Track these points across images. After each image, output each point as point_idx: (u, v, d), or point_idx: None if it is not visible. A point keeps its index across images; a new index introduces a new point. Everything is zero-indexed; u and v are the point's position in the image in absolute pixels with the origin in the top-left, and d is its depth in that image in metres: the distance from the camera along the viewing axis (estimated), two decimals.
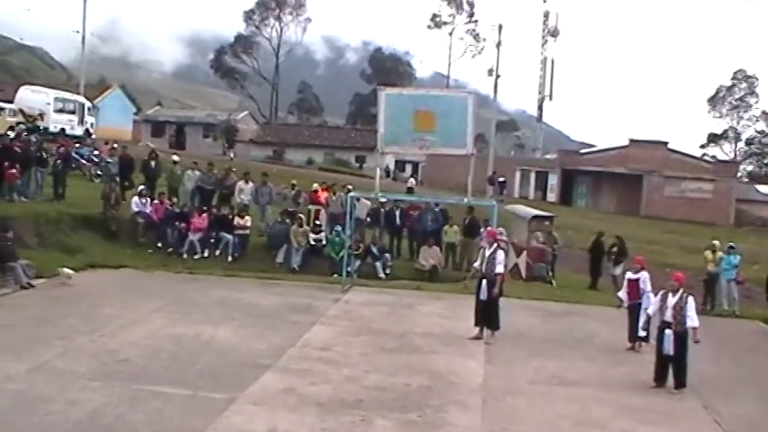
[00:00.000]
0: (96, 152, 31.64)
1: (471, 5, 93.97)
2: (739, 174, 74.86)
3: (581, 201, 62.00)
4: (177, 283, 18.36)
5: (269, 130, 78.06)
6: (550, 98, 76.82)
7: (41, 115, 38.08)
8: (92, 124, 43.28)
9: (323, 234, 22.88)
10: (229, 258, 22.06)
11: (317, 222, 23.40)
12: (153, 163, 25.28)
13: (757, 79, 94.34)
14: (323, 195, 24.83)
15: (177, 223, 22.39)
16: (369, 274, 21.40)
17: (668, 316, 11.86)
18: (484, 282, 14.23)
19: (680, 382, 11.83)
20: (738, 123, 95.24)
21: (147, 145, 43.37)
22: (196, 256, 21.91)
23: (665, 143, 60.37)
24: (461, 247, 23.25)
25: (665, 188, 58.45)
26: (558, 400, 11.01)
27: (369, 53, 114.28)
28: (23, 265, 16.48)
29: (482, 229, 20.61)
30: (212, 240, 22.35)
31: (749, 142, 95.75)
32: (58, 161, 23.89)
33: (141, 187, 23.47)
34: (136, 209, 22.56)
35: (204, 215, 22.64)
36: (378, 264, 22.03)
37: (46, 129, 37.07)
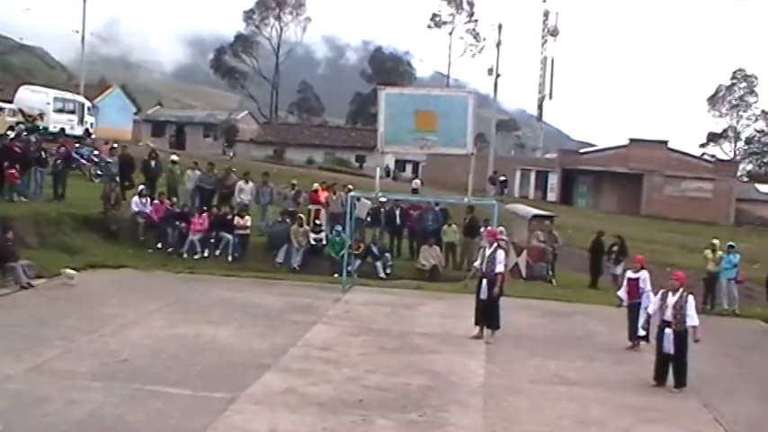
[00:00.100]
0: (96, 152, 31.63)
1: (471, 5, 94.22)
2: (739, 173, 74.89)
3: (581, 200, 62.00)
4: (177, 283, 18.36)
5: (269, 129, 78.09)
6: (550, 97, 77.00)
7: (41, 115, 38.05)
8: (92, 124, 43.26)
9: (323, 234, 22.87)
10: (230, 258, 22.05)
11: (318, 222, 23.39)
12: (153, 163, 25.26)
13: (757, 78, 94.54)
14: (323, 195, 24.83)
15: (177, 223, 22.37)
16: (369, 274, 21.39)
17: (668, 315, 11.85)
18: (484, 281, 14.22)
19: (680, 381, 11.82)
20: (738, 123, 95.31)
21: (148, 145, 43.39)
22: (196, 256, 21.90)
23: (666, 142, 60.41)
24: (462, 246, 23.25)
25: (666, 187, 58.49)
26: (559, 400, 11.01)
27: (369, 53, 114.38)
28: (23, 265, 16.47)
29: (482, 229, 20.66)
30: (212, 240, 22.33)
31: (749, 141, 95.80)
32: (58, 161, 23.86)
33: (141, 187, 23.45)
34: (136, 209, 22.54)
35: (204, 215, 22.62)
36: (378, 263, 22.02)
37: (46, 129, 37.04)
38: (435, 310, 17.11)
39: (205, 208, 23.22)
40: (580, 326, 16.42)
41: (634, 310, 14.07)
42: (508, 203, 30.02)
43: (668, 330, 11.80)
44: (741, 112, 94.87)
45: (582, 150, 70.99)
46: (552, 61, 76.32)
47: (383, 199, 23.13)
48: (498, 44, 55.28)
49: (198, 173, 24.93)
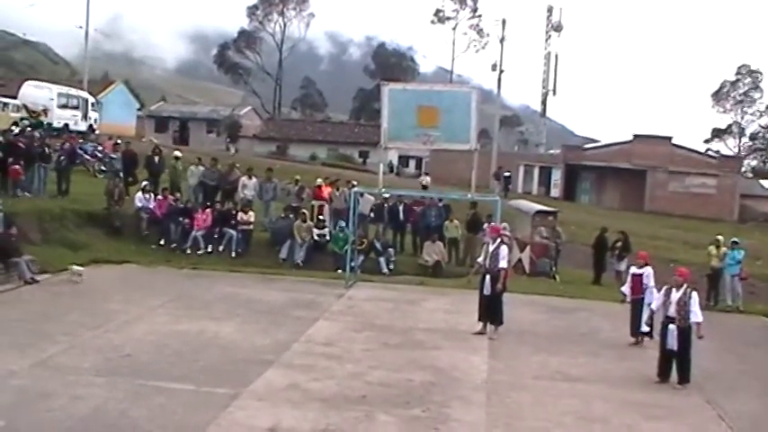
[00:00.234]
0: (100, 148, 31.71)
1: (475, 1, 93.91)
2: (743, 169, 74.71)
3: (585, 196, 61.88)
4: (181, 279, 18.38)
5: (272, 125, 78.06)
6: (554, 93, 77.07)
7: (45, 111, 38.16)
8: (95, 120, 43.37)
9: (326, 230, 22.88)
10: (233, 254, 22.07)
11: (321, 218, 23.40)
12: (156, 159, 25.28)
13: (761, 74, 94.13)
14: (326, 191, 24.81)
15: (181, 219, 22.39)
16: (372, 270, 21.37)
17: (672, 311, 11.84)
18: (487, 277, 14.21)
19: (683, 378, 11.81)
20: (742, 118, 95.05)
21: (151, 140, 43.41)
22: (199, 252, 21.93)
23: (669, 138, 60.21)
24: (465, 242, 23.25)
25: (670, 183, 58.33)
26: (562, 396, 11.00)
27: (372, 48, 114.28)
28: (27, 260, 16.51)
29: (485, 225, 20.67)
30: (216, 236, 22.34)
31: (753, 137, 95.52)
32: (62, 157, 23.89)
33: (145, 183, 23.50)
34: (139, 204, 22.58)
35: (208, 211, 22.63)
36: (381, 259, 22.02)
37: (50, 124, 37.17)
38: (438, 305, 17.11)
39: (208, 204, 23.23)
40: (583, 322, 16.41)
41: (637, 306, 14.08)
42: (511, 199, 30.02)
43: (672, 327, 11.78)
44: (746, 108, 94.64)
45: (585, 146, 70.80)
46: (556, 57, 76.38)
47: (386, 195, 23.12)
48: (502, 40, 55.27)
49: (201, 168, 24.92)
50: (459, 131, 18.19)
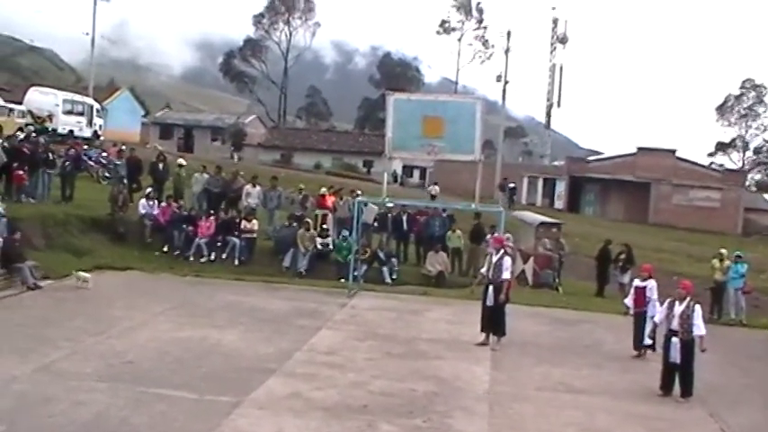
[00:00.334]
0: (104, 154, 31.75)
1: (480, 12, 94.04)
2: (747, 183, 74.62)
3: (588, 208, 61.82)
4: (184, 286, 18.39)
5: (277, 134, 78.12)
6: (559, 105, 77.15)
7: (50, 117, 38.18)
8: (100, 126, 43.41)
9: (330, 239, 22.89)
10: (236, 262, 22.05)
11: (325, 227, 23.40)
12: (161, 166, 25.32)
13: (766, 88, 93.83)
14: (330, 200, 24.82)
15: (184, 226, 22.41)
16: (375, 279, 21.35)
17: (675, 324, 11.82)
18: (490, 288, 14.20)
19: (686, 391, 11.78)
20: (747, 132, 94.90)
21: (156, 147, 43.49)
22: (203, 260, 21.93)
23: (674, 151, 60.19)
24: (468, 252, 23.24)
25: (674, 196, 58.27)
26: (565, 408, 10.98)
27: (377, 58, 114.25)
28: (30, 266, 16.55)
29: (488, 236, 20.65)
30: (219, 244, 22.34)
31: (757, 151, 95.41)
32: (67, 163, 23.92)
33: (149, 190, 23.52)
34: (143, 211, 22.60)
35: (211, 218, 22.64)
36: (384, 269, 22.02)
37: (55, 130, 37.17)
38: (441, 316, 17.09)
39: (212, 211, 23.22)
40: (587, 334, 16.38)
41: (640, 318, 14.05)
42: (515, 210, 30.01)
43: (675, 339, 11.76)
44: (750, 122, 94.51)
45: (589, 158, 70.78)
46: (561, 69, 76.48)
47: (390, 204, 23.12)
48: (507, 51, 55.33)
49: (205, 176, 24.95)
50: (463, 142, 18.23)
